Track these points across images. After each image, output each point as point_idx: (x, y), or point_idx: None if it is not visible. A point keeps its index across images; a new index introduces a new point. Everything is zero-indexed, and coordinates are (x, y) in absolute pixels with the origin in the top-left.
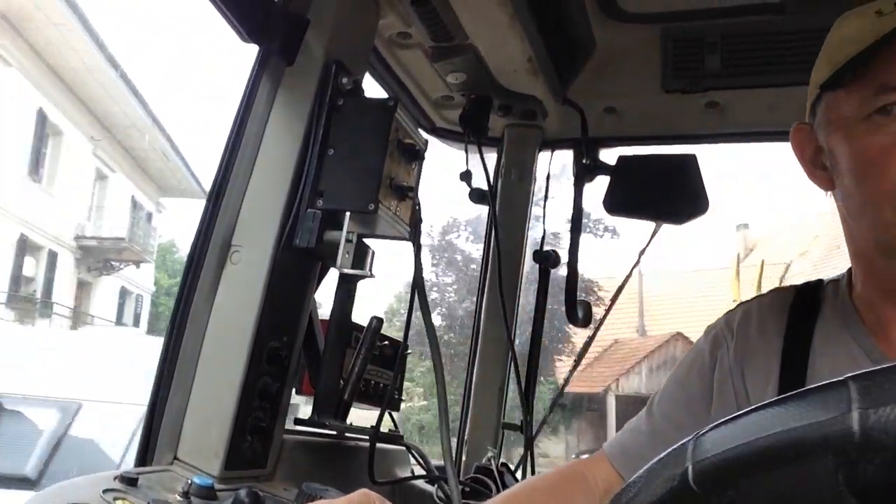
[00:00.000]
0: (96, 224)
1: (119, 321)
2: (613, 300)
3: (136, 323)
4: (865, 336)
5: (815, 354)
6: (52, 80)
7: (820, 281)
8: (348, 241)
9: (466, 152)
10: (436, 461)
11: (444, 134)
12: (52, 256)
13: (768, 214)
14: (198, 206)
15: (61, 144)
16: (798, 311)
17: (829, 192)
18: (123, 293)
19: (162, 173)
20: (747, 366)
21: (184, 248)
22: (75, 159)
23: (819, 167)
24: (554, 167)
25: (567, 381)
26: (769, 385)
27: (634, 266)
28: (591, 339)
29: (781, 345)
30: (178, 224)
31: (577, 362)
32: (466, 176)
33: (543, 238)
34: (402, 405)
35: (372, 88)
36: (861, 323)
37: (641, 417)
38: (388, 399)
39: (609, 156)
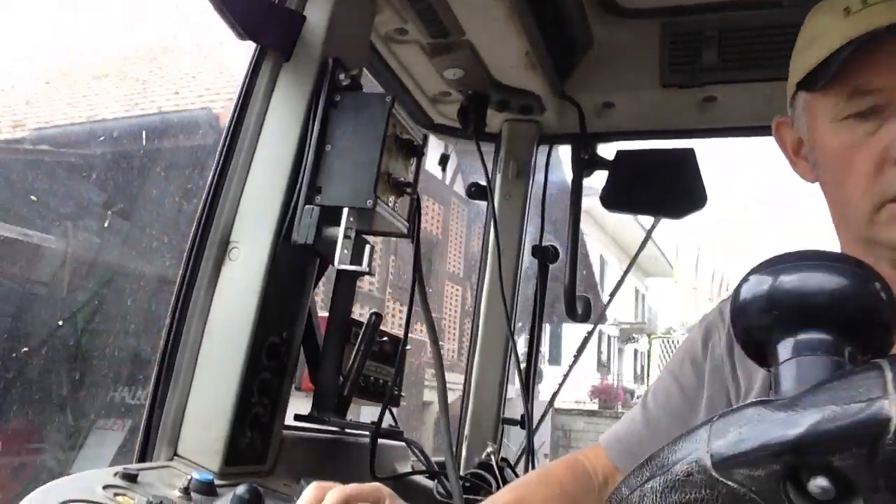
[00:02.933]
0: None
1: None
2: (612, 295)
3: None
4: None
5: None
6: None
7: None
8: (347, 237)
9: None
10: (436, 457)
11: (442, 130)
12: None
13: None
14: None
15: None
16: None
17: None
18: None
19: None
20: (738, 355)
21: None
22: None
23: (802, 158)
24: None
25: (566, 375)
26: (759, 372)
27: (633, 261)
28: (590, 333)
29: None
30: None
31: (576, 357)
32: (444, 160)
33: (542, 233)
34: None
35: (369, 85)
36: None
37: (637, 409)
38: (388, 395)
39: (607, 151)
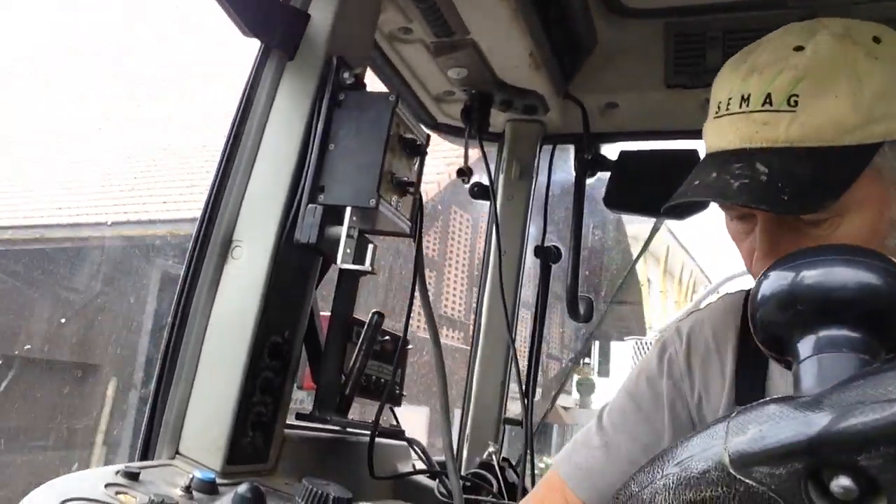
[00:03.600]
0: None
1: None
2: (614, 295)
3: None
4: None
5: (773, 364)
6: None
7: None
8: (349, 236)
9: (467, 147)
10: (437, 456)
11: (445, 129)
12: None
13: None
14: None
15: None
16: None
17: None
18: None
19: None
20: (700, 371)
21: None
22: None
23: None
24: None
25: (568, 375)
26: (724, 390)
27: (634, 262)
28: (591, 334)
29: (736, 349)
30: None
31: (577, 358)
32: (465, 172)
33: (545, 233)
34: None
35: (373, 84)
36: None
37: (591, 432)
38: (387, 393)
39: (610, 151)
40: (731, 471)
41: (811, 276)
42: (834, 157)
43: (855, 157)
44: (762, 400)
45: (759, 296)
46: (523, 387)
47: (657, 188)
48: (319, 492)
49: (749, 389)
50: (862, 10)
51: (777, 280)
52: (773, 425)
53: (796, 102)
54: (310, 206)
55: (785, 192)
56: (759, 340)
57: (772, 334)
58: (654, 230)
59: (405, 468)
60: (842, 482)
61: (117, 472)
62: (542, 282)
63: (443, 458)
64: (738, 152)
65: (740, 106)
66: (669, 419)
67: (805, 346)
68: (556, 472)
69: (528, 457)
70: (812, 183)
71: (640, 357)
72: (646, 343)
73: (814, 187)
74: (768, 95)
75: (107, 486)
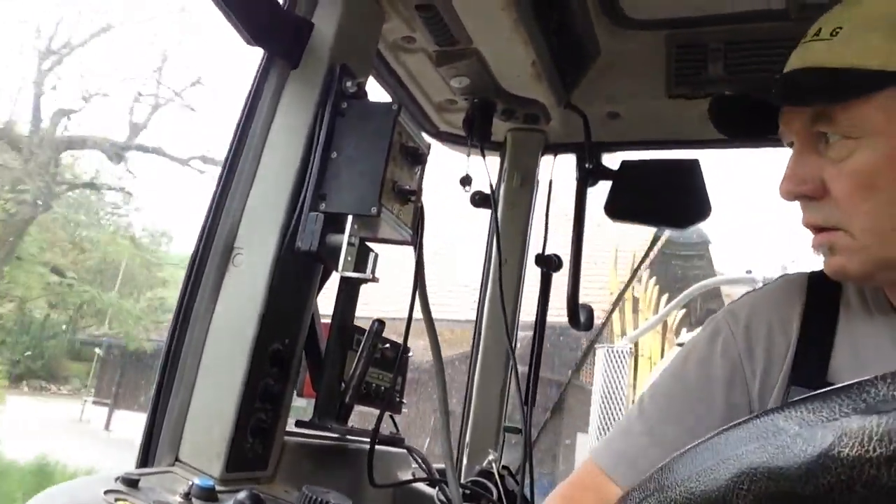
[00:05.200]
0: None
1: None
2: (615, 305)
3: None
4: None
5: (843, 349)
6: None
7: None
8: (350, 244)
9: (469, 156)
10: (437, 464)
11: (447, 138)
12: None
13: None
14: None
15: None
16: (816, 294)
17: None
18: None
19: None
20: (761, 350)
21: None
22: None
23: None
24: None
25: (568, 382)
26: (784, 369)
27: (635, 273)
28: (592, 342)
29: (798, 330)
30: None
31: (578, 366)
32: (466, 180)
33: (545, 242)
34: None
35: (376, 92)
36: (889, 306)
37: (631, 419)
38: (387, 401)
39: (612, 160)
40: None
41: None
42: (854, 73)
43: (876, 77)
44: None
45: None
46: (523, 395)
47: (658, 198)
48: (319, 499)
49: (812, 368)
50: None
51: None
52: None
53: (837, 33)
54: (311, 213)
55: (800, 89)
56: None
57: None
58: (655, 239)
59: (405, 476)
60: None
61: (117, 479)
62: (542, 290)
63: (442, 465)
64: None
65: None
66: (725, 400)
67: None
68: (593, 461)
69: (528, 465)
70: (826, 86)
71: (612, 364)
72: (617, 351)
73: (826, 89)
74: (819, 29)
75: (106, 492)
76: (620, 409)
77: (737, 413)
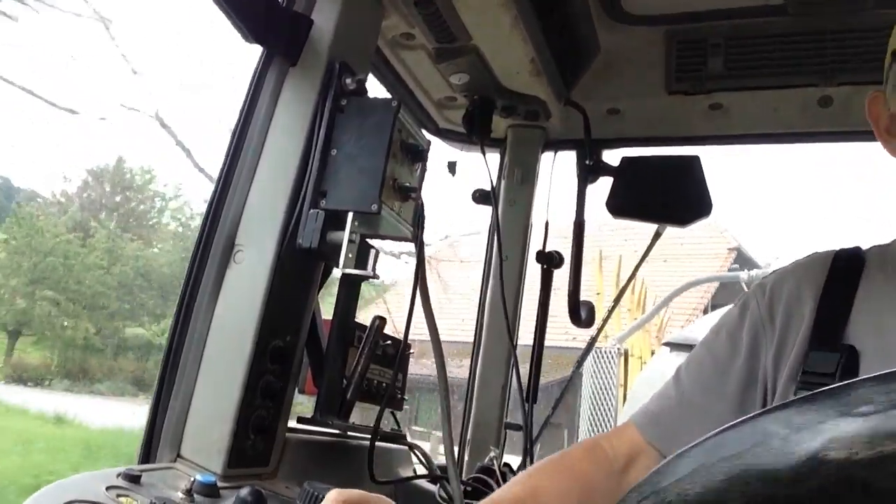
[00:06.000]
0: None
1: None
2: (616, 301)
3: None
4: None
5: (858, 308)
6: None
7: (858, 248)
8: (351, 241)
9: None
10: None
11: (447, 135)
12: None
13: None
14: None
15: None
16: (839, 268)
17: None
18: None
19: None
20: (781, 320)
21: None
22: None
23: (893, 135)
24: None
25: (570, 380)
26: (803, 338)
27: (636, 269)
28: (593, 339)
29: (818, 298)
30: None
31: (579, 363)
32: (452, 166)
33: (546, 239)
34: None
35: (375, 89)
36: None
37: (669, 385)
38: (388, 398)
39: (612, 157)
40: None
41: None
42: None
43: None
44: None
45: None
46: (524, 392)
47: (659, 194)
48: (320, 496)
49: (828, 337)
50: (862, 18)
51: None
52: None
53: None
54: (312, 211)
55: None
56: None
57: None
58: (656, 236)
59: (406, 472)
60: None
61: (119, 475)
62: (543, 287)
63: (444, 462)
64: None
65: None
66: (745, 368)
67: None
68: (631, 419)
69: (529, 462)
70: None
71: (600, 364)
72: (605, 351)
73: None
74: None
75: (108, 488)
76: (610, 409)
77: (752, 377)
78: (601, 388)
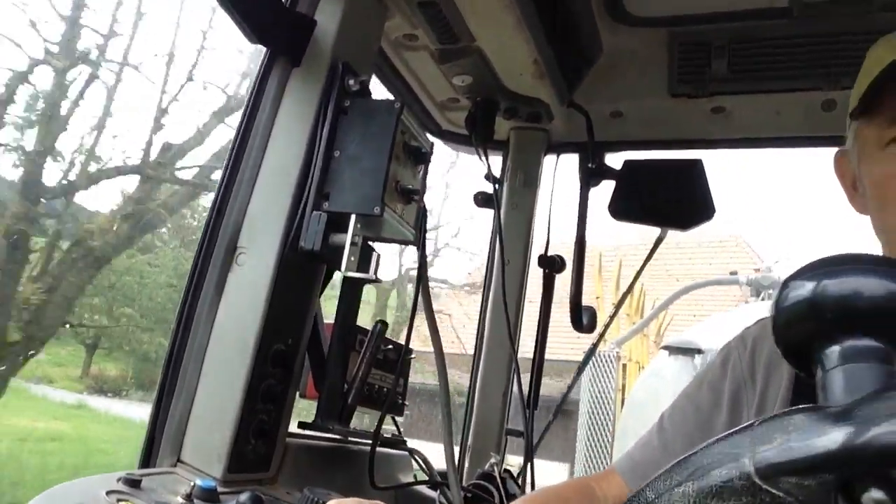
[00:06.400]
0: None
1: None
2: (618, 307)
3: None
4: None
5: None
6: None
7: None
8: (353, 243)
9: (473, 154)
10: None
11: (450, 136)
12: None
13: None
14: None
15: None
16: None
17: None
18: None
19: None
20: (762, 375)
21: None
22: None
23: (858, 192)
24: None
25: (571, 386)
26: (784, 393)
27: (639, 273)
28: (595, 345)
29: None
30: None
31: (581, 368)
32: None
33: (548, 243)
34: None
35: (378, 91)
36: None
37: (653, 432)
38: (389, 403)
39: (615, 160)
40: (757, 480)
41: (836, 284)
42: None
43: None
44: (787, 409)
45: (783, 303)
46: (525, 397)
47: (662, 197)
48: (320, 501)
49: (810, 396)
50: (868, 21)
51: (801, 288)
52: (801, 434)
53: None
54: (314, 213)
55: None
56: (780, 347)
57: (796, 342)
58: (658, 240)
59: (407, 478)
60: (874, 495)
61: (119, 479)
62: (545, 291)
63: (444, 468)
64: None
65: None
66: (728, 423)
67: (831, 355)
68: (614, 466)
69: (530, 468)
70: None
71: (598, 368)
72: (603, 355)
73: None
74: None
75: (108, 493)
76: (609, 414)
77: None
78: (600, 393)
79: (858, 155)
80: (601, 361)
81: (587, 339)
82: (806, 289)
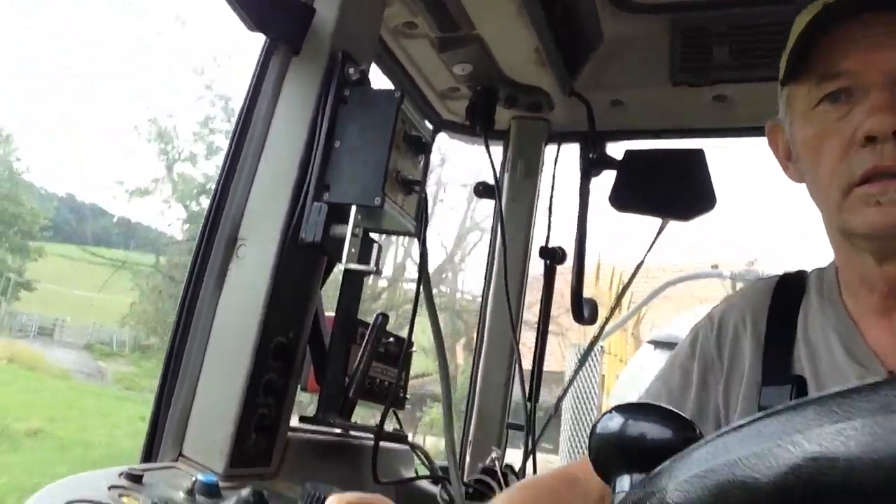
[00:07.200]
0: None
1: None
2: (619, 298)
3: None
4: (846, 322)
5: (800, 342)
6: None
7: (803, 271)
8: (354, 235)
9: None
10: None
11: (450, 126)
12: None
13: None
14: None
15: None
16: (781, 298)
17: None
18: None
19: None
20: (729, 352)
21: None
22: None
23: (792, 161)
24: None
25: (571, 380)
26: (752, 369)
27: (640, 264)
28: (596, 338)
29: (764, 331)
30: None
31: (581, 362)
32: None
33: (549, 234)
34: None
35: (378, 80)
36: (844, 309)
37: None
38: (392, 397)
39: (616, 150)
40: None
41: (635, 427)
42: None
43: None
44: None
45: (599, 433)
46: (527, 391)
47: (663, 187)
48: (322, 496)
49: (778, 370)
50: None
51: (612, 424)
52: None
53: None
54: (315, 204)
55: None
56: (592, 464)
57: (603, 465)
58: (661, 230)
59: (408, 473)
60: None
61: (121, 475)
62: (546, 282)
63: (446, 462)
64: None
65: None
66: (696, 401)
67: (622, 482)
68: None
69: (531, 462)
70: None
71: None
72: (581, 346)
73: None
74: None
75: (110, 488)
76: (592, 407)
77: (704, 411)
78: (583, 386)
79: (790, 120)
80: (580, 350)
81: (565, 350)
82: (614, 425)
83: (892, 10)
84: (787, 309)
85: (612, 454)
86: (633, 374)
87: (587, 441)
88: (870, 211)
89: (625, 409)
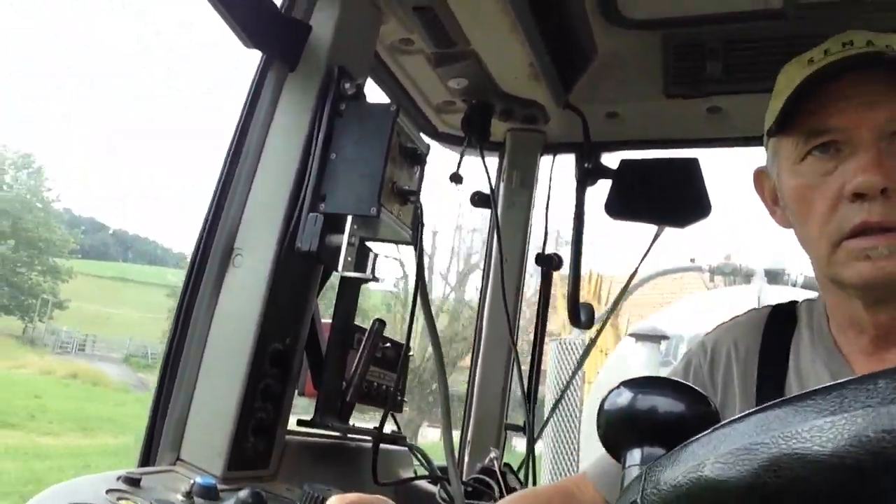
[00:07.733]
0: None
1: None
2: (616, 303)
3: None
4: (837, 358)
5: (791, 373)
6: None
7: (794, 302)
8: (350, 244)
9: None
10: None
11: (446, 138)
12: None
13: None
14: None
15: None
16: (773, 330)
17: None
18: None
19: None
20: (722, 381)
21: None
22: None
23: (779, 206)
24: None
25: (569, 383)
26: (745, 397)
27: (636, 270)
28: (593, 340)
29: (757, 362)
30: None
31: (579, 364)
32: (457, 177)
33: (545, 241)
34: None
35: (374, 95)
36: (834, 345)
37: None
38: (391, 400)
39: (611, 160)
40: None
41: (645, 401)
42: None
43: None
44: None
45: (607, 408)
46: (525, 392)
47: (658, 196)
48: (320, 497)
49: (770, 394)
50: (861, 20)
51: (622, 399)
52: None
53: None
54: (311, 214)
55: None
56: (601, 439)
57: (612, 440)
58: (655, 238)
59: (406, 474)
60: None
61: (119, 478)
62: (542, 289)
63: (444, 463)
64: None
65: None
66: None
67: (633, 456)
68: (586, 472)
69: (530, 462)
70: None
71: (564, 356)
72: (568, 343)
73: None
74: (869, 41)
75: (108, 491)
76: (576, 399)
77: None
78: (564, 378)
79: (778, 170)
80: (565, 348)
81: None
82: (626, 400)
83: (878, 68)
84: (778, 341)
85: (621, 429)
86: (613, 367)
87: (570, 433)
88: (860, 265)
89: (634, 384)
